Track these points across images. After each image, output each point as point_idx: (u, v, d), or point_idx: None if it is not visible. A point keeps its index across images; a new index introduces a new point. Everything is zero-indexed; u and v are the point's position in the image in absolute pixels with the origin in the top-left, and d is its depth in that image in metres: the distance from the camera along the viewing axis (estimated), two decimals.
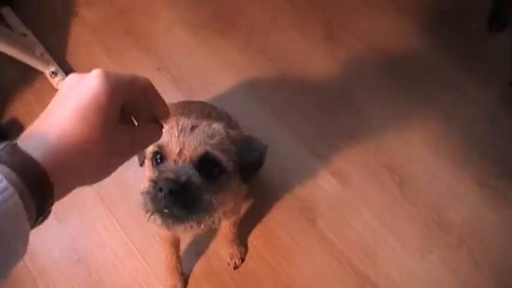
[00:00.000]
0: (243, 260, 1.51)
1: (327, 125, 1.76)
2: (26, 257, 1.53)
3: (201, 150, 0.77)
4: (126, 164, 1.56)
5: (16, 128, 1.77)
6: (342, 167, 1.67)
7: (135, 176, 1.64)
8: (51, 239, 1.58)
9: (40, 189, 0.46)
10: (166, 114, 0.61)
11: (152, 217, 0.77)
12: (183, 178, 0.74)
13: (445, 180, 1.66)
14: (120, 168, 1.57)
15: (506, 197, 1.63)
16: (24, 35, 1.90)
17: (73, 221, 1.60)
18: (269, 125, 1.75)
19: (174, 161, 0.76)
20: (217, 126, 0.82)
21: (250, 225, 1.57)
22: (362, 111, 1.79)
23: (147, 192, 0.75)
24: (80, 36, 1.98)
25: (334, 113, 1.78)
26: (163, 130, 0.72)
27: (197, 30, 1.96)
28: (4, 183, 0.43)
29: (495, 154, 1.71)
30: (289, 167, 1.68)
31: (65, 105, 0.50)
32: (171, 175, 0.74)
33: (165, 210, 0.75)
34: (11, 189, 0.43)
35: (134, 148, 0.58)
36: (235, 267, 1.50)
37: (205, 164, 0.78)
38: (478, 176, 1.66)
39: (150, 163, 0.81)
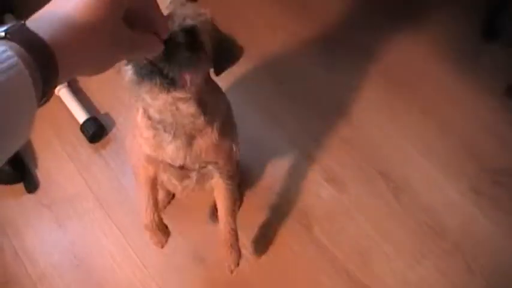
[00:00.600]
0: (238, 264, 1.53)
1: (323, 133, 1.78)
2: (26, 261, 1.56)
3: (189, 21, 0.81)
4: (125, 171, 1.61)
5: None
6: (338, 173, 1.70)
7: (132, 183, 1.66)
8: (52, 243, 1.61)
9: (47, 66, 0.48)
10: (165, 29, 0.64)
11: (125, 68, 0.82)
12: (177, 28, 0.79)
13: (440, 187, 1.68)
14: (119, 175, 1.62)
15: (501, 205, 1.64)
16: None
17: (73, 226, 1.63)
18: (266, 132, 1.78)
19: None
20: (206, 14, 0.87)
21: (246, 230, 1.59)
22: (359, 119, 1.81)
23: None
24: None
25: (331, 121, 1.81)
26: None
27: None
28: (9, 53, 0.44)
29: (491, 162, 1.72)
30: (285, 174, 1.70)
31: None
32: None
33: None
34: (15, 59, 0.44)
35: (133, 48, 0.60)
36: (231, 271, 1.52)
37: (190, 37, 0.81)
38: (473, 184, 1.68)
39: None
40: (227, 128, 1.11)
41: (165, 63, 0.79)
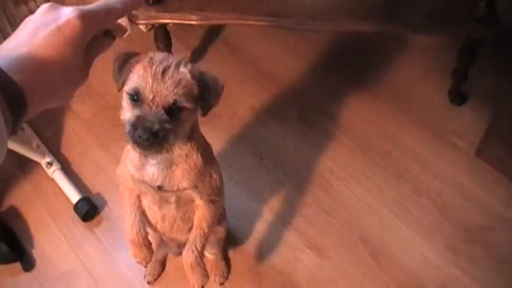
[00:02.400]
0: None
1: (302, 201, 1.87)
2: None
3: (170, 99, 0.93)
4: (116, 246, 1.68)
5: (14, 215, 1.89)
6: (319, 240, 1.77)
7: (124, 256, 1.75)
8: None
9: (16, 105, 0.52)
10: (123, 31, 0.71)
11: (133, 148, 0.99)
12: (157, 127, 0.92)
13: (418, 248, 1.75)
14: (111, 250, 1.70)
15: (478, 261, 1.71)
16: (22, 129, 2.04)
17: None
18: (248, 204, 1.88)
19: (149, 105, 0.93)
20: (183, 70, 0.97)
21: None
22: (336, 188, 1.90)
23: (129, 133, 0.94)
24: (73, 128, 2.14)
25: (309, 190, 1.90)
26: (139, 74, 0.93)
27: None
28: None
29: (463, 220, 1.80)
30: (268, 242, 1.78)
31: (40, 33, 0.57)
32: (148, 124, 0.92)
33: (142, 148, 0.96)
34: None
35: (89, 60, 0.65)
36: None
37: (173, 107, 0.95)
38: (449, 243, 1.75)
39: (127, 99, 0.97)
40: (207, 155, 1.20)
41: (154, 145, 0.95)
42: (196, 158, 1.13)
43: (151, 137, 0.92)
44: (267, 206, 1.87)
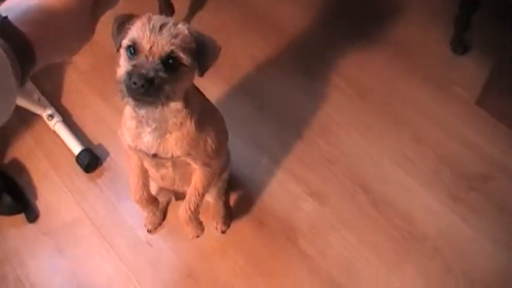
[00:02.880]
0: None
1: (304, 151, 1.88)
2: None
3: (167, 49, 0.93)
4: (119, 197, 1.71)
5: (17, 168, 1.90)
6: (320, 188, 1.79)
7: (126, 206, 1.77)
8: (53, 269, 1.69)
9: (25, 56, 0.53)
10: None
11: (127, 100, 0.96)
12: (152, 74, 0.91)
13: (418, 195, 1.77)
14: (114, 201, 1.72)
15: (478, 210, 1.73)
16: None
17: (72, 252, 1.72)
18: (249, 153, 1.89)
19: (145, 56, 0.93)
20: (181, 26, 0.97)
21: (234, 246, 1.69)
22: (337, 136, 1.91)
23: (124, 82, 0.93)
24: (73, 81, 2.14)
25: (311, 139, 1.91)
26: (137, 28, 0.93)
27: None
28: None
29: (465, 170, 1.82)
30: (269, 191, 1.80)
31: None
32: (143, 71, 0.91)
33: (137, 97, 0.95)
34: None
35: (96, 16, 0.66)
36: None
37: (170, 59, 0.95)
38: (449, 191, 1.77)
39: (125, 53, 0.97)
40: (204, 119, 1.20)
41: (149, 94, 0.94)
42: (189, 126, 1.14)
43: (147, 84, 0.91)
44: (268, 155, 1.88)
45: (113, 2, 0.71)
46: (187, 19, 2.31)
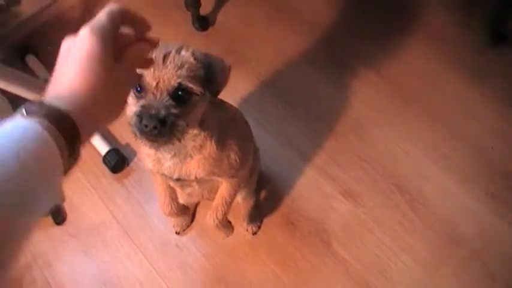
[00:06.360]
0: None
1: (336, 148, 1.82)
2: None
3: (174, 83, 0.89)
4: (147, 198, 1.68)
5: None
6: (353, 187, 1.73)
7: (154, 208, 1.73)
8: (80, 272, 1.67)
9: (71, 134, 0.55)
10: (146, 26, 0.68)
11: (142, 142, 0.92)
12: (163, 113, 0.87)
13: (455, 194, 1.70)
14: (142, 202, 1.68)
15: None
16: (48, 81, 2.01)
17: (100, 254, 1.69)
18: (281, 152, 1.83)
19: (153, 93, 0.88)
20: (185, 53, 0.92)
21: (265, 249, 1.64)
22: (371, 134, 1.85)
23: (135, 125, 0.88)
24: None
25: (343, 135, 1.85)
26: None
27: None
28: (40, 128, 0.50)
29: (504, 167, 1.74)
30: (301, 191, 1.74)
31: (68, 65, 0.58)
32: (153, 111, 0.87)
33: (151, 138, 0.90)
34: (45, 133, 0.50)
35: (130, 71, 0.65)
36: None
37: (179, 91, 0.90)
38: (488, 189, 1.70)
39: (132, 92, 0.92)
40: (224, 137, 1.16)
41: (163, 134, 0.89)
42: (210, 146, 1.10)
43: (159, 124, 0.86)
44: (299, 153, 1.82)
45: (145, 50, 0.69)
46: (214, 12, 2.26)
